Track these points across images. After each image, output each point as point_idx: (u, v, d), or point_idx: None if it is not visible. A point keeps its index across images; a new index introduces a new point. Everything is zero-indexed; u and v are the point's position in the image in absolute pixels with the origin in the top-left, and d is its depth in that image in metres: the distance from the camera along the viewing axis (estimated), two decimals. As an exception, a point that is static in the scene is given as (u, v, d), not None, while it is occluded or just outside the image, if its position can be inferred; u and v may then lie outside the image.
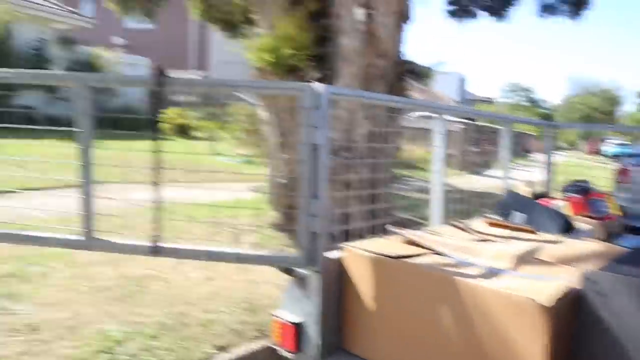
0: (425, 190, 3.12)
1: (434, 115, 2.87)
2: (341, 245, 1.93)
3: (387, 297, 1.77)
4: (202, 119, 13.45)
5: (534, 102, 53.34)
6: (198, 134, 13.39)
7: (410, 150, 10.75)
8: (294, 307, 1.85)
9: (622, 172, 5.58)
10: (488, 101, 45.58)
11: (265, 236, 4.35)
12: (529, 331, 1.40)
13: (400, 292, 1.74)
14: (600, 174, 4.90)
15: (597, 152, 29.67)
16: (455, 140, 12.48)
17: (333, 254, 1.93)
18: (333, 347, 1.86)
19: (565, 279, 1.58)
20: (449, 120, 3.82)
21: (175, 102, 14.07)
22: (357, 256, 1.85)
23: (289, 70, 4.76)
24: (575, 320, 1.50)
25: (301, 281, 1.85)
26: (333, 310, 1.87)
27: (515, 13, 10.56)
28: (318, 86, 1.77)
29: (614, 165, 6.12)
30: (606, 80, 71.17)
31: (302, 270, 1.84)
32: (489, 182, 4.48)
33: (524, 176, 4.38)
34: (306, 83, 1.81)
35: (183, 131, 13.73)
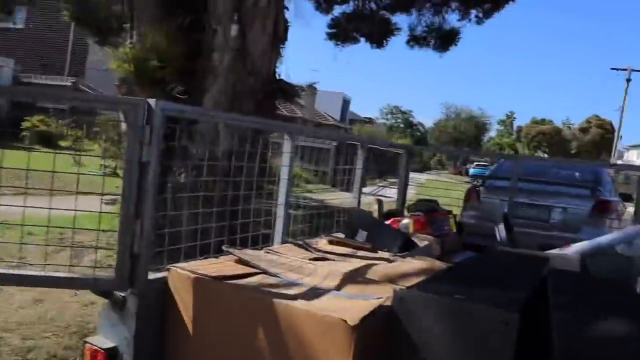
0: (293, 206, 3.36)
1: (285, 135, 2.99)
2: (167, 266, 2.08)
3: (209, 320, 1.94)
4: (69, 127, 12.65)
5: (410, 125, 65.56)
6: (63, 143, 12.49)
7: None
8: (110, 332, 1.98)
9: (472, 192, 6.14)
10: (368, 121, 50.26)
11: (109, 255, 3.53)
12: (336, 349, 1.63)
13: (222, 314, 1.92)
14: (458, 194, 5.32)
15: (461, 173, 38.23)
16: (328, 158, 16.37)
17: (157, 275, 2.09)
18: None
19: (379, 298, 1.85)
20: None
21: (41, 109, 13.75)
22: (182, 277, 2.00)
23: (154, 83, 4.81)
24: (385, 337, 1.73)
25: (118, 304, 1.97)
26: (152, 335, 2.00)
27: (394, 41, 9.38)
28: (151, 102, 1.94)
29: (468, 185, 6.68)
30: (475, 107, 72.34)
31: (120, 293, 1.97)
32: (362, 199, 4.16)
33: (388, 194, 5.64)
34: (138, 98, 1.92)
35: (47, 140, 13.42)
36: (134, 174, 1.93)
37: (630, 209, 6.30)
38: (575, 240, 3.98)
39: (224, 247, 2.36)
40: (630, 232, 3.69)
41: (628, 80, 33.03)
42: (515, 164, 4.96)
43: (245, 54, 5.41)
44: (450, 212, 4.14)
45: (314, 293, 1.93)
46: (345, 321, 1.60)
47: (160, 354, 2.04)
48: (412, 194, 5.81)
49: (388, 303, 1.79)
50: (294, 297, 1.83)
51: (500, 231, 3.81)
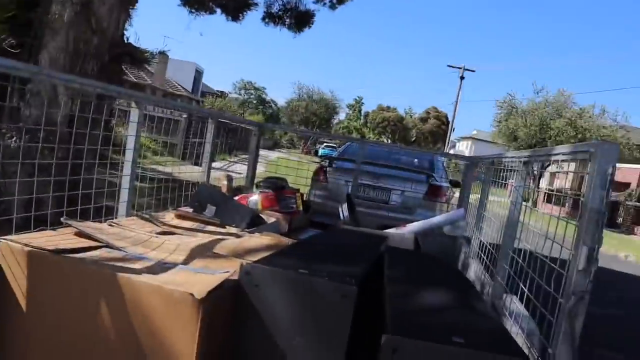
0: (141, 178, 3.33)
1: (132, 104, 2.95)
2: None
3: (45, 297, 1.84)
4: None
5: (263, 102, 65.94)
6: None
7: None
8: None
9: (320, 172, 6.32)
10: (221, 95, 50.21)
11: None
12: (182, 323, 1.65)
13: (60, 290, 1.83)
14: (306, 172, 5.63)
15: (310, 152, 37.48)
16: (179, 130, 15.57)
17: None
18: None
19: (227, 272, 1.89)
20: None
21: None
22: (14, 250, 1.86)
23: (-23, 32, 4.20)
24: (233, 310, 1.80)
25: None
26: None
27: (251, 16, 10.28)
28: None
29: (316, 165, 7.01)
30: (327, 90, 72.85)
31: None
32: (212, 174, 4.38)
33: (238, 170, 5.37)
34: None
35: None
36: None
37: (458, 194, 7.04)
38: (410, 221, 4.36)
39: (62, 219, 2.22)
40: (455, 215, 4.14)
41: (462, 78, 36.28)
42: (361, 148, 5.24)
43: (90, 10, 4.84)
44: (298, 190, 4.29)
45: (160, 267, 1.91)
46: (191, 295, 1.61)
47: None
48: (261, 171, 5.88)
49: (235, 277, 1.83)
50: (138, 272, 1.79)
51: (344, 210, 4.04)
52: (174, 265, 1.96)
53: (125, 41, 5.80)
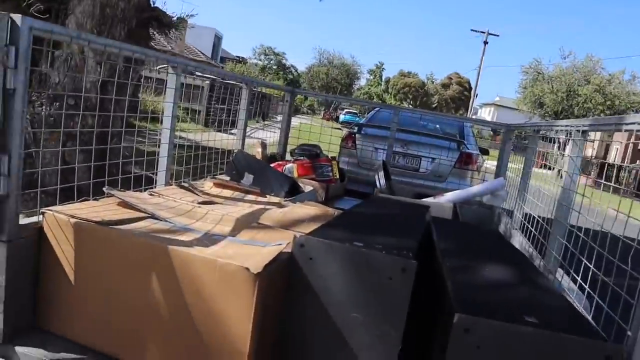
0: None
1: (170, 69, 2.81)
2: (41, 209, 1.88)
3: (93, 268, 1.80)
4: None
5: (283, 67, 65.25)
6: None
7: (155, 102, 9.18)
8: None
9: (348, 138, 6.26)
10: (241, 61, 51.48)
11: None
12: (237, 297, 1.58)
13: (108, 262, 1.78)
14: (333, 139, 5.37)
15: (331, 119, 34.94)
16: (201, 97, 15.01)
17: (29, 220, 1.89)
18: (24, 326, 1.84)
19: (278, 244, 1.83)
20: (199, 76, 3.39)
21: None
22: (61, 222, 1.82)
23: (4, -2, 4.12)
24: (286, 283, 1.73)
25: None
26: (25, 286, 1.84)
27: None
28: (15, 18, 1.67)
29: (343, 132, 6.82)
30: (347, 56, 70.07)
31: None
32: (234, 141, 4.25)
33: (264, 137, 5.37)
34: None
35: None
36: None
37: (487, 162, 6.87)
38: (442, 189, 4.24)
39: (105, 189, 2.15)
40: (494, 184, 4.02)
41: (485, 42, 35.49)
42: (394, 114, 5.10)
43: (116, -27, 4.90)
44: (334, 158, 4.19)
45: (208, 239, 1.84)
46: (247, 269, 1.54)
47: (33, 306, 1.86)
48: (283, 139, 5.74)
49: (287, 249, 1.76)
50: (188, 244, 1.73)
51: (380, 178, 3.94)
52: (222, 236, 1.90)
53: (152, 5, 5.68)
